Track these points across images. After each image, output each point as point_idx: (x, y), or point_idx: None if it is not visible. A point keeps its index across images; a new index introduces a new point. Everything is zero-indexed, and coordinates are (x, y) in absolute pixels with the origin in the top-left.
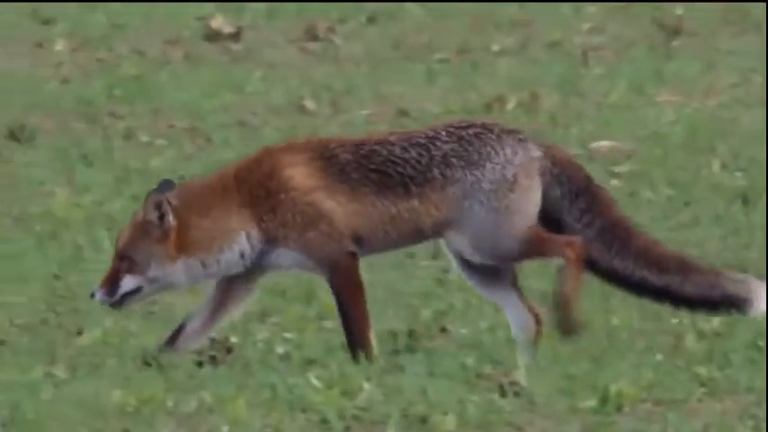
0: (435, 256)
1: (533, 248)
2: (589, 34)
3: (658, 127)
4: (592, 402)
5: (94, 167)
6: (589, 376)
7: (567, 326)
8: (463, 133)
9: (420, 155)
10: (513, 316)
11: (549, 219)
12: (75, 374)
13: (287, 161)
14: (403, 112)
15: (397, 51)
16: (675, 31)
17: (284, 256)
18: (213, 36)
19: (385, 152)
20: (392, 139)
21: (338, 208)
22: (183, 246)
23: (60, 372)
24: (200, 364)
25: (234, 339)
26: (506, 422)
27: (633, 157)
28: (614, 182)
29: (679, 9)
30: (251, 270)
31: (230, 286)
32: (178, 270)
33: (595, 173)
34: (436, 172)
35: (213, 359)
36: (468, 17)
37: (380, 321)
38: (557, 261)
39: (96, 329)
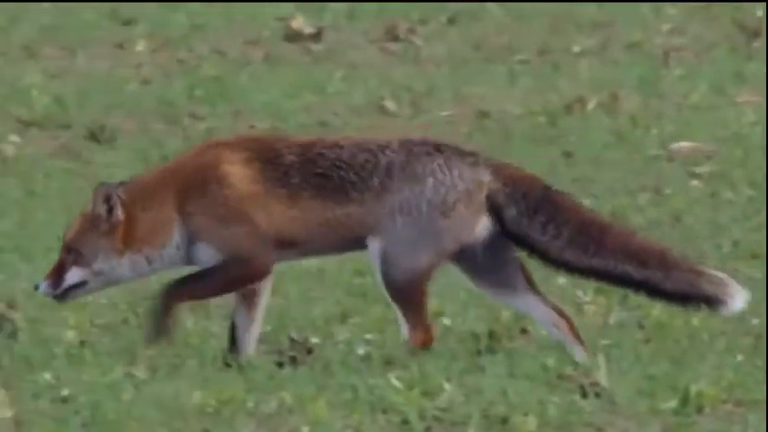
0: None
1: (414, 292)
2: (669, 35)
3: (739, 128)
4: (672, 403)
5: None
6: (669, 377)
7: None
8: (414, 149)
9: (366, 161)
10: (542, 321)
11: (517, 240)
12: (156, 375)
13: (227, 157)
14: (483, 114)
15: (477, 52)
16: (756, 33)
17: (204, 251)
18: (294, 36)
19: (332, 156)
20: (343, 143)
21: (269, 216)
22: (130, 241)
23: (140, 372)
24: (280, 365)
25: (314, 340)
26: (586, 423)
27: (713, 157)
28: (694, 182)
29: (759, 10)
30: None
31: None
32: (124, 265)
33: (675, 174)
34: (376, 180)
35: (293, 360)
36: (549, 18)
37: (462, 323)
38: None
39: (177, 330)
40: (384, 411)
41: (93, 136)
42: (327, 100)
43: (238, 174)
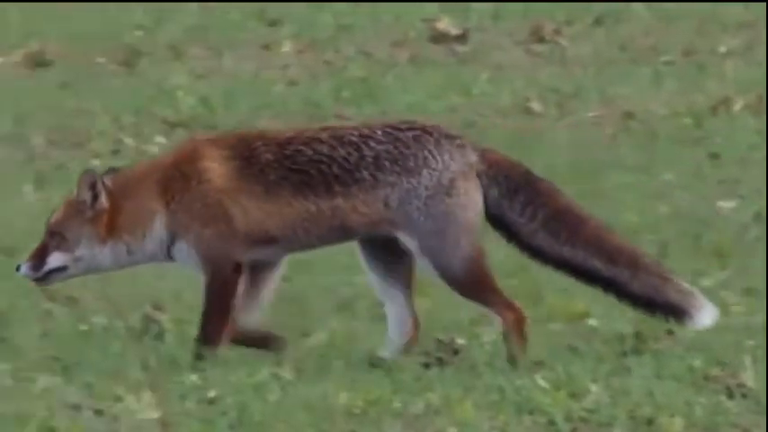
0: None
1: (477, 277)
2: None
3: None
4: None
5: None
6: None
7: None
8: (401, 135)
9: (349, 153)
10: (393, 316)
11: (495, 221)
12: (302, 376)
13: (206, 153)
14: (629, 115)
15: (623, 53)
16: None
17: (181, 251)
18: (439, 38)
19: (310, 152)
20: (322, 136)
21: (245, 212)
22: (112, 229)
23: (287, 373)
24: (426, 366)
25: (461, 341)
26: (733, 424)
27: None
28: None
29: None
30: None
31: (253, 270)
32: (105, 253)
33: None
34: (365, 173)
35: (440, 361)
36: (695, 19)
37: (608, 324)
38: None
39: (323, 331)
40: (530, 412)
41: None
42: (473, 101)
43: (217, 171)
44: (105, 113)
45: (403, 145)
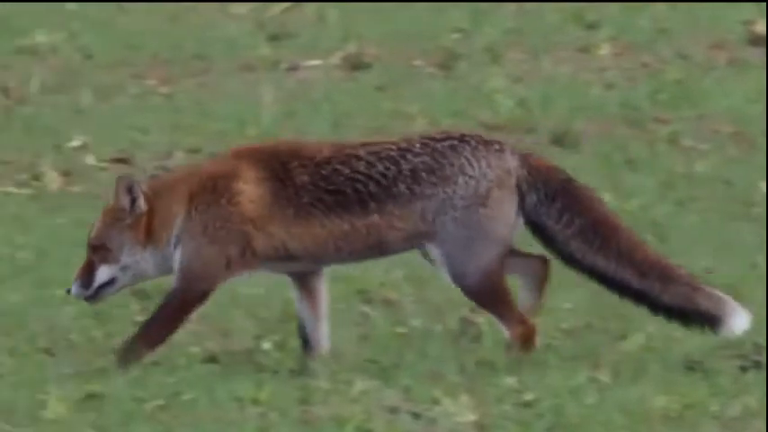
0: None
1: (491, 290)
2: None
3: None
4: None
5: (639, 172)
6: None
7: None
8: (438, 146)
9: (387, 169)
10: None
11: (533, 226)
12: (619, 379)
13: (243, 173)
14: None
15: None
16: None
17: (175, 258)
18: (757, 41)
19: (347, 171)
20: (360, 153)
21: (269, 237)
22: (149, 233)
23: (604, 376)
24: (743, 369)
25: None
26: None
27: None
28: None
29: None
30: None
31: (300, 281)
32: (147, 258)
33: None
34: (402, 187)
35: (756, 364)
36: None
37: None
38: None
39: (640, 334)
40: None
41: (558, 140)
42: None
43: (250, 195)
44: (423, 116)
45: (440, 155)
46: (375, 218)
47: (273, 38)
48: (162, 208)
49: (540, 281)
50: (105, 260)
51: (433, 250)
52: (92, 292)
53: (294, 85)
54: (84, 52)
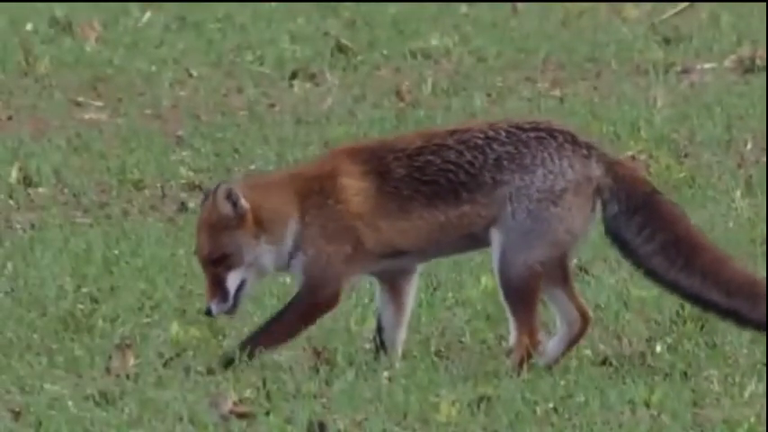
0: None
1: (525, 289)
2: None
3: None
4: None
5: None
6: None
7: None
8: (523, 136)
9: (474, 157)
10: (560, 314)
11: (613, 237)
12: None
13: (345, 169)
14: None
15: None
16: None
17: (297, 263)
18: None
19: (439, 161)
20: (449, 142)
21: (378, 233)
22: (260, 226)
23: None
24: None
25: None
26: None
27: None
28: None
29: None
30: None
31: (390, 284)
32: (264, 247)
33: None
34: (487, 176)
35: None
36: None
37: None
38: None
39: None
40: None
41: None
42: None
43: (355, 190)
44: None
45: (523, 145)
46: (466, 208)
47: (666, 41)
48: (269, 203)
49: (574, 338)
50: (231, 267)
51: (495, 234)
52: (231, 302)
53: (687, 89)
54: (477, 55)
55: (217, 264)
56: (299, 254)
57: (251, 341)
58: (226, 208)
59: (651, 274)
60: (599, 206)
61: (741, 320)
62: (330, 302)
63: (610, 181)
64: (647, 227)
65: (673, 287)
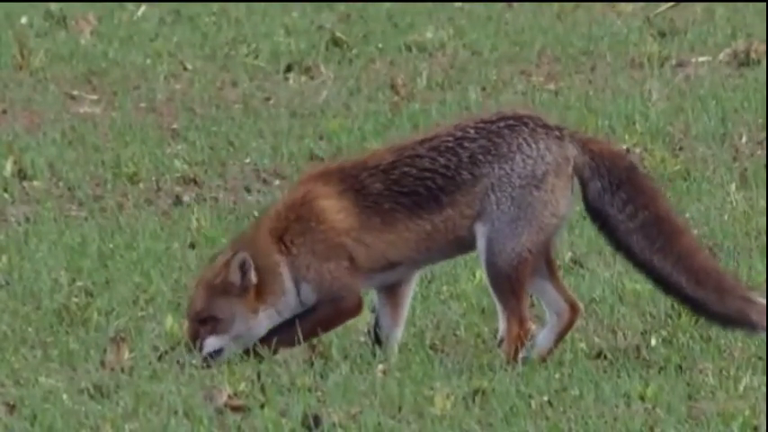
0: None
1: (513, 277)
2: None
3: None
4: None
5: None
6: None
7: None
8: (493, 127)
9: (448, 160)
10: (548, 306)
11: (594, 213)
12: None
13: (319, 191)
14: None
15: None
16: None
17: (306, 293)
18: None
19: (414, 171)
20: (421, 151)
21: (367, 248)
22: (259, 296)
23: None
24: None
25: None
26: None
27: None
28: None
29: None
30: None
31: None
32: (260, 321)
33: None
34: (465, 174)
35: None
36: None
37: None
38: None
39: None
40: None
41: None
42: None
43: (335, 209)
44: None
45: (496, 135)
46: (449, 211)
47: (661, 34)
48: (262, 267)
49: (563, 328)
50: (214, 331)
51: (479, 228)
52: (202, 363)
53: (682, 82)
54: (472, 48)
55: (202, 323)
56: (303, 285)
57: (273, 336)
58: (235, 276)
59: (627, 251)
60: (577, 186)
61: (702, 311)
62: (354, 310)
63: (587, 158)
64: (631, 203)
65: (642, 266)
